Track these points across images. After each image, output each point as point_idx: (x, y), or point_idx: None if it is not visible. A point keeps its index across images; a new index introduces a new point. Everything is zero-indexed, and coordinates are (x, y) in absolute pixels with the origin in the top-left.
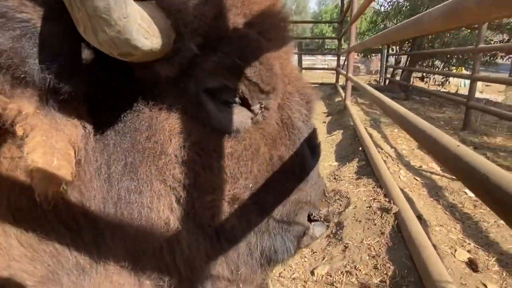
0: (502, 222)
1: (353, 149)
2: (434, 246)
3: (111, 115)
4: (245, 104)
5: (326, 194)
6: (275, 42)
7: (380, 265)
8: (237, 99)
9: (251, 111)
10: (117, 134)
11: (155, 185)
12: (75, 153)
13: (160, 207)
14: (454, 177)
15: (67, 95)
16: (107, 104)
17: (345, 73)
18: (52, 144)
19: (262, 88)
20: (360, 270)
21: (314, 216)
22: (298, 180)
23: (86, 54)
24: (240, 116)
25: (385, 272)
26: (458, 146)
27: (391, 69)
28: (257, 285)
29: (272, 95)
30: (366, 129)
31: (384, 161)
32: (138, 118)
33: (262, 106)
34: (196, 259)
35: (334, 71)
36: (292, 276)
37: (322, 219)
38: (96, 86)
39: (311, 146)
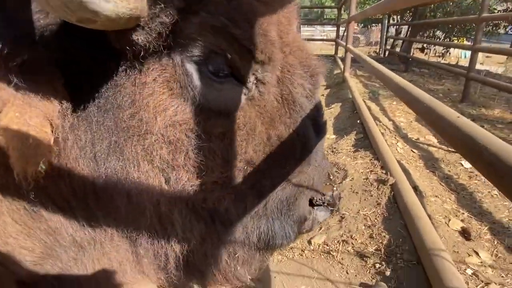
0: (496, 192)
1: (351, 122)
2: (429, 216)
3: (92, 91)
4: (238, 77)
5: (331, 177)
6: (271, 5)
7: (376, 234)
8: (227, 70)
9: (245, 85)
10: (99, 111)
11: (142, 166)
12: (52, 130)
13: (148, 187)
14: (450, 149)
15: (33, 65)
16: (87, 79)
17: (344, 44)
18: (26, 121)
19: (256, 56)
20: (356, 239)
21: (317, 201)
22: (300, 162)
23: (44, 20)
24: (231, 92)
25: (380, 241)
26: (458, 117)
27: (391, 40)
28: (256, 267)
29: (269, 67)
30: (364, 101)
31: (382, 133)
32: (120, 94)
33: (257, 79)
34: (191, 241)
35: (333, 42)
36: (290, 245)
37: (325, 204)
38: (68, 56)
39: (315, 125)
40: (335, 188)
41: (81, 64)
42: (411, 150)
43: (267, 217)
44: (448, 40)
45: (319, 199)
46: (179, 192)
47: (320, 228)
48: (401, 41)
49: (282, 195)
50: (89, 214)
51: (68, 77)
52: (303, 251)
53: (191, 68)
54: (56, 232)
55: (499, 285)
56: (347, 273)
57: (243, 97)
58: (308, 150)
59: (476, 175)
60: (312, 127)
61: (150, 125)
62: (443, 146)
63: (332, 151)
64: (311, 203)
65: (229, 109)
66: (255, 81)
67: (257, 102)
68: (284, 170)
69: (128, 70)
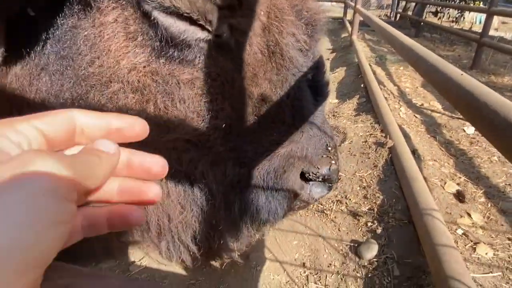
0: (495, 158)
1: (355, 86)
2: (425, 178)
3: (49, 35)
4: (202, 20)
5: (330, 149)
6: None
7: (370, 195)
8: (188, 12)
9: (212, 31)
10: (58, 59)
11: None
12: None
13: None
14: (454, 115)
15: None
16: (41, 20)
17: (353, 4)
18: None
19: None
20: (350, 199)
21: (309, 175)
22: (290, 129)
23: None
24: (195, 35)
25: (374, 201)
26: (462, 75)
27: (403, 3)
28: (243, 242)
29: (245, 11)
30: (370, 65)
31: (386, 98)
32: (79, 37)
33: (232, 26)
34: (169, 207)
35: (343, 4)
36: None
37: (320, 179)
38: None
39: (313, 86)
40: (333, 162)
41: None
42: (414, 116)
43: (250, 189)
44: (463, 3)
45: (312, 173)
46: (150, 149)
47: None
48: (413, 4)
49: (269, 166)
50: None
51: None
52: (291, 215)
53: (151, 5)
54: None
55: (488, 245)
56: (339, 230)
57: (212, 44)
58: (302, 115)
59: (478, 141)
60: (309, 89)
61: (112, 71)
62: (446, 112)
63: (333, 115)
64: (304, 178)
65: (195, 55)
66: (228, 28)
67: (235, 53)
68: (271, 136)
69: (86, 9)
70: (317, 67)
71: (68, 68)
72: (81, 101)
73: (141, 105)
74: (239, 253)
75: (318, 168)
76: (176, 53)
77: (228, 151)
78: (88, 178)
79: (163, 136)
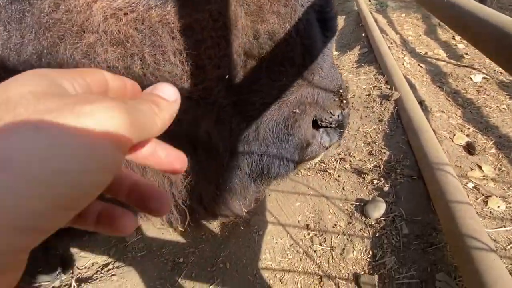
0: (504, 106)
1: (355, 36)
2: (433, 131)
3: None
4: None
5: (342, 91)
6: None
7: (376, 151)
8: None
9: None
10: (12, 3)
11: None
12: None
13: None
14: (460, 63)
15: None
16: None
17: None
18: None
19: None
20: (354, 156)
21: (323, 122)
22: (300, 71)
23: None
24: None
25: (380, 157)
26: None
27: None
28: (252, 199)
29: None
30: (371, 13)
31: (389, 47)
32: None
33: None
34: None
35: None
36: None
37: (333, 125)
38: None
39: (321, 20)
40: (345, 106)
41: None
42: (418, 65)
43: (259, 142)
44: None
45: (326, 119)
46: None
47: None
48: None
49: (278, 116)
50: None
51: None
52: (299, 170)
53: None
54: None
55: (499, 197)
56: (343, 189)
57: None
58: (312, 55)
59: (485, 89)
60: (317, 22)
61: (83, 18)
62: (452, 61)
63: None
64: (316, 125)
65: None
66: None
67: None
68: (279, 82)
69: None
70: None
71: (26, 14)
72: (49, 56)
73: (124, 60)
74: (246, 211)
75: (331, 114)
76: None
77: (233, 104)
78: (144, 129)
79: None
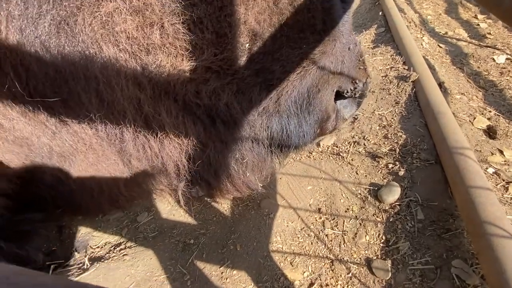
0: None
1: (371, 15)
2: (453, 114)
3: None
4: None
5: (362, 60)
6: None
7: (391, 134)
8: None
9: None
10: None
11: (105, 50)
12: None
13: (120, 81)
14: (482, 43)
15: None
16: None
17: None
18: None
19: None
20: (368, 140)
21: (347, 92)
22: (322, 38)
23: None
24: None
25: (395, 141)
26: None
27: None
28: (268, 173)
29: None
30: None
31: (407, 26)
32: None
33: None
34: (189, 147)
35: None
36: None
37: (356, 96)
38: None
39: None
40: (368, 72)
41: None
42: (438, 45)
43: (280, 114)
44: None
45: (350, 89)
46: (162, 84)
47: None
48: None
49: (301, 86)
50: (58, 120)
51: None
52: (311, 153)
53: None
54: (29, 144)
55: None
56: (356, 173)
57: None
58: (332, 19)
59: (509, 71)
60: None
61: None
62: (473, 40)
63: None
64: (338, 95)
65: None
66: None
67: None
68: (301, 49)
69: None
70: None
71: None
72: (67, 27)
73: (144, 30)
74: (261, 186)
75: (356, 83)
76: None
77: (254, 74)
78: None
79: (176, 67)
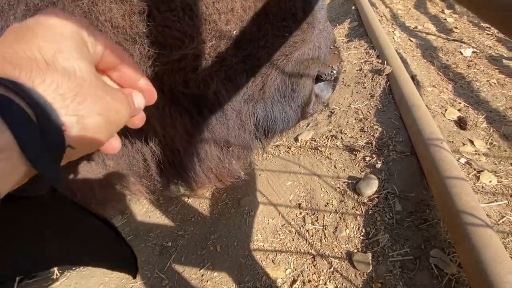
0: (494, 81)
1: (344, 9)
2: (426, 106)
3: None
4: None
5: (336, 44)
6: None
7: (367, 127)
8: None
9: None
10: None
11: None
12: None
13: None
14: (449, 37)
15: None
16: None
17: None
18: None
19: None
20: (345, 133)
21: (326, 76)
22: (302, 26)
23: None
24: None
25: (372, 134)
26: None
27: None
28: (251, 159)
29: None
30: None
31: (379, 20)
32: None
33: None
34: (175, 139)
35: None
36: (276, 144)
37: (332, 79)
38: None
39: None
40: (341, 56)
41: None
42: (409, 39)
43: (265, 101)
44: None
45: (328, 73)
46: (149, 75)
47: (308, 125)
48: None
49: (284, 73)
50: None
51: None
52: (289, 148)
53: None
54: None
55: (491, 172)
56: (335, 167)
57: None
58: (310, 7)
59: (475, 63)
60: None
61: None
62: (442, 35)
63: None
64: (316, 79)
65: None
66: None
67: None
68: (284, 38)
69: None
70: None
71: None
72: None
73: (131, 18)
74: (244, 173)
75: (332, 68)
76: None
77: (242, 61)
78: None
79: (166, 56)
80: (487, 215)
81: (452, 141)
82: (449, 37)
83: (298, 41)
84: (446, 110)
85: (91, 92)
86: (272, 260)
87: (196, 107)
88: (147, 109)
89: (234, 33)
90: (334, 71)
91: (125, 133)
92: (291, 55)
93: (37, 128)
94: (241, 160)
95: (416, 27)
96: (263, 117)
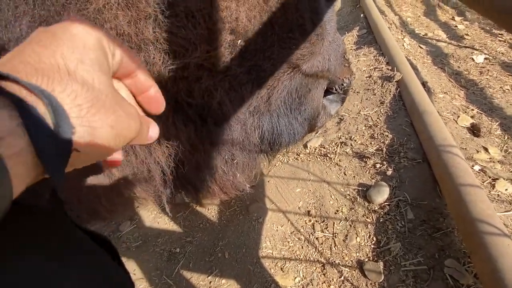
0: (508, 87)
1: (353, 17)
2: (437, 112)
3: None
4: None
5: (346, 57)
6: None
7: (378, 134)
8: None
9: None
10: None
11: None
12: None
13: None
14: (461, 44)
15: None
16: None
17: None
18: None
19: None
20: (355, 140)
21: (335, 90)
22: (310, 38)
23: None
24: None
25: (382, 141)
26: None
27: None
28: (257, 172)
29: None
30: None
31: (388, 28)
32: None
33: None
34: (178, 150)
35: None
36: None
37: (341, 92)
38: None
39: None
40: (353, 71)
41: None
42: (419, 46)
43: (271, 113)
44: None
45: (339, 86)
46: (156, 82)
47: (317, 132)
48: None
49: (291, 86)
50: None
51: None
52: (298, 155)
53: None
54: None
55: (507, 180)
56: (344, 174)
57: None
58: (319, 19)
59: (488, 70)
60: None
61: None
62: (452, 41)
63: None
64: (325, 92)
65: None
66: None
67: None
68: (291, 50)
69: None
70: None
71: None
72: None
73: (136, 25)
74: (249, 186)
75: (343, 80)
76: None
77: (246, 72)
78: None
79: (170, 64)
80: (504, 224)
81: (465, 148)
82: (460, 44)
83: (307, 54)
84: (458, 116)
85: (107, 105)
86: (281, 268)
87: (200, 117)
88: (151, 118)
89: (238, 42)
90: (344, 84)
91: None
92: (299, 67)
93: (53, 134)
94: (246, 173)
95: (426, 34)
96: (268, 129)
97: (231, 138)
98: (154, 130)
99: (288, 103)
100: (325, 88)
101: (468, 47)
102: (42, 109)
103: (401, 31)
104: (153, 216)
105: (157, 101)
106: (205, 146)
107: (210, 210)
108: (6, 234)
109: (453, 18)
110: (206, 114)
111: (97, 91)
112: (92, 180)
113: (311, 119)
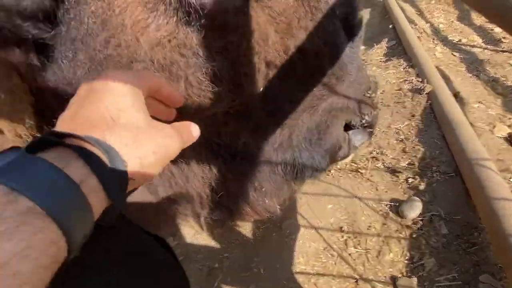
0: None
1: (382, 28)
2: (471, 124)
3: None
4: None
5: (370, 94)
6: None
7: (409, 148)
8: None
9: None
10: (65, 44)
11: None
12: None
13: None
14: (498, 49)
15: None
16: None
17: None
18: None
19: None
20: (386, 155)
21: (354, 125)
22: (329, 80)
23: None
24: None
25: (414, 155)
26: None
27: None
28: (286, 198)
29: None
30: (398, 3)
31: (418, 37)
32: (84, 15)
33: None
34: (211, 179)
35: None
36: None
37: (364, 126)
38: None
39: (346, 26)
40: (374, 105)
41: None
42: (452, 54)
43: (293, 148)
44: None
45: (358, 122)
46: None
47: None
48: None
49: (310, 123)
50: None
51: None
52: (329, 171)
53: None
54: None
55: None
56: (376, 189)
57: None
58: (340, 63)
59: None
60: (343, 29)
61: (132, 50)
62: (489, 46)
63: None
64: (346, 127)
65: (225, 12)
66: None
67: (266, 1)
68: (310, 91)
69: None
70: (349, 1)
71: (80, 52)
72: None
73: (171, 84)
74: (280, 209)
75: (362, 117)
76: (204, 15)
77: (268, 115)
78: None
79: (200, 114)
80: None
81: (502, 159)
82: (497, 48)
83: (326, 94)
84: (494, 126)
85: (146, 136)
86: (315, 284)
87: (229, 154)
88: (184, 152)
89: (259, 91)
90: (364, 121)
91: (169, 173)
92: (318, 107)
93: (112, 170)
94: (274, 199)
95: (460, 40)
96: (291, 163)
97: (258, 171)
98: (195, 130)
99: (308, 139)
100: (344, 123)
101: (506, 51)
102: (99, 154)
103: (433, 39)
104: (193, 233)
105: (174, 98)
106: (234, 176)
107: (244, 228)
108: (87, 251)
109: (488, 21)
110: (234, 151)
111: (136, 128)
112: (141, 200)
113: (332, 152)
